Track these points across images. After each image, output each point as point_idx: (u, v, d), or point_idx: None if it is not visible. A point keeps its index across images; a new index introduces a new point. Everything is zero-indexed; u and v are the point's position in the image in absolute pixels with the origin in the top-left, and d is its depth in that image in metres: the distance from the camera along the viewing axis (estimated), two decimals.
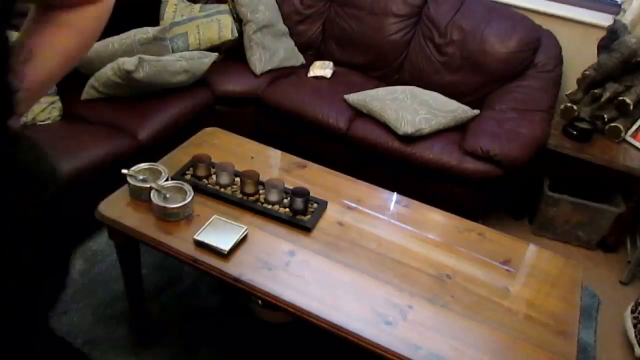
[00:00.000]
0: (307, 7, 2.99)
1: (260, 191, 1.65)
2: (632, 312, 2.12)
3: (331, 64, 2.86)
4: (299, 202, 1.56)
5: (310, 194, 1.60)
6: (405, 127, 2.30)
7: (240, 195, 1.63)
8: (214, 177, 1.69)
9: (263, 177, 1.65)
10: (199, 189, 1.63)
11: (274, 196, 1.60)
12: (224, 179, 1.65)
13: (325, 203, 1.65)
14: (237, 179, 1.67)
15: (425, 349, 1.22)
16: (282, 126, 2.67)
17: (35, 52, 0.83)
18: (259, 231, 1.53)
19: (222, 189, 1.65)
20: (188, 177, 1.69)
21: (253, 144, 1.93)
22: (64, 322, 1.88)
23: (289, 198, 1.61)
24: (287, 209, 1.60)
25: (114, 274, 2.07)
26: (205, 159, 1.68)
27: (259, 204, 1.61)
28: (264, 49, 2.79)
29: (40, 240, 0.86)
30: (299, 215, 1.58)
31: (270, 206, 1.60)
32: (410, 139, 2.34)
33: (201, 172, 1.68)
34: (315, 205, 1.63)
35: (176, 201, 1.52)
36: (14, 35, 0.80)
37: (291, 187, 1.61)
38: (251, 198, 1.63)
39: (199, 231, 1.46)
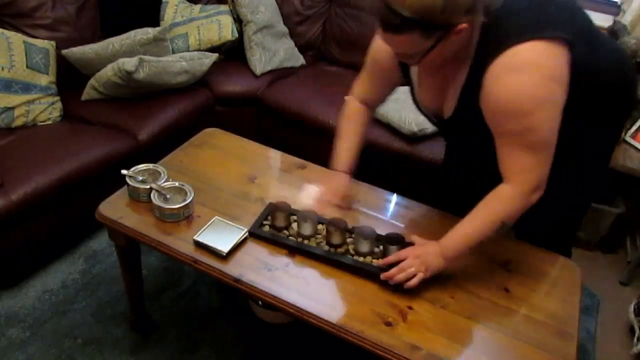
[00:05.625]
0: (307, 7, 2.99)
1: (348, 240, 1.47)
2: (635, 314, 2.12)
3: None
4: (393, 250, 1.39)
5: None
6: (410, 126, 2.30)
7: (327, 248, 1.44)
8: (294, 226, 1.50)
9: (263, 178, 1.64)
10: (277, 242, 1.47)
11: (364, 247, 1.41)
12: (307, 229, 1.47)
13: None
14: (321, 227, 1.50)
15: (425, 350, 1.22)
16: (282, 127, 2.67)
17: None
18: None
19: (305, 241, 1.47)
20: (266, 228, 1.50)
21: (253, 144, 1.93)
22: (64, 322, 1.88)
23: (380, 247, 1.43)
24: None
25: (114, 274, 2.07)
26: (284, 208, 1.50)
27: (349, 256, 1.42)
28: (264, 49, 2.79)
29: None
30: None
31: (362, 258, 1.41)
32: (413, 139, 2.34)
33: (280, 221, 1.50)
34: None
35: (176, 202, 1.52)
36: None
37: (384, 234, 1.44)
38: (339, 250, 1.43)
39: (199, 232, 1.46)
